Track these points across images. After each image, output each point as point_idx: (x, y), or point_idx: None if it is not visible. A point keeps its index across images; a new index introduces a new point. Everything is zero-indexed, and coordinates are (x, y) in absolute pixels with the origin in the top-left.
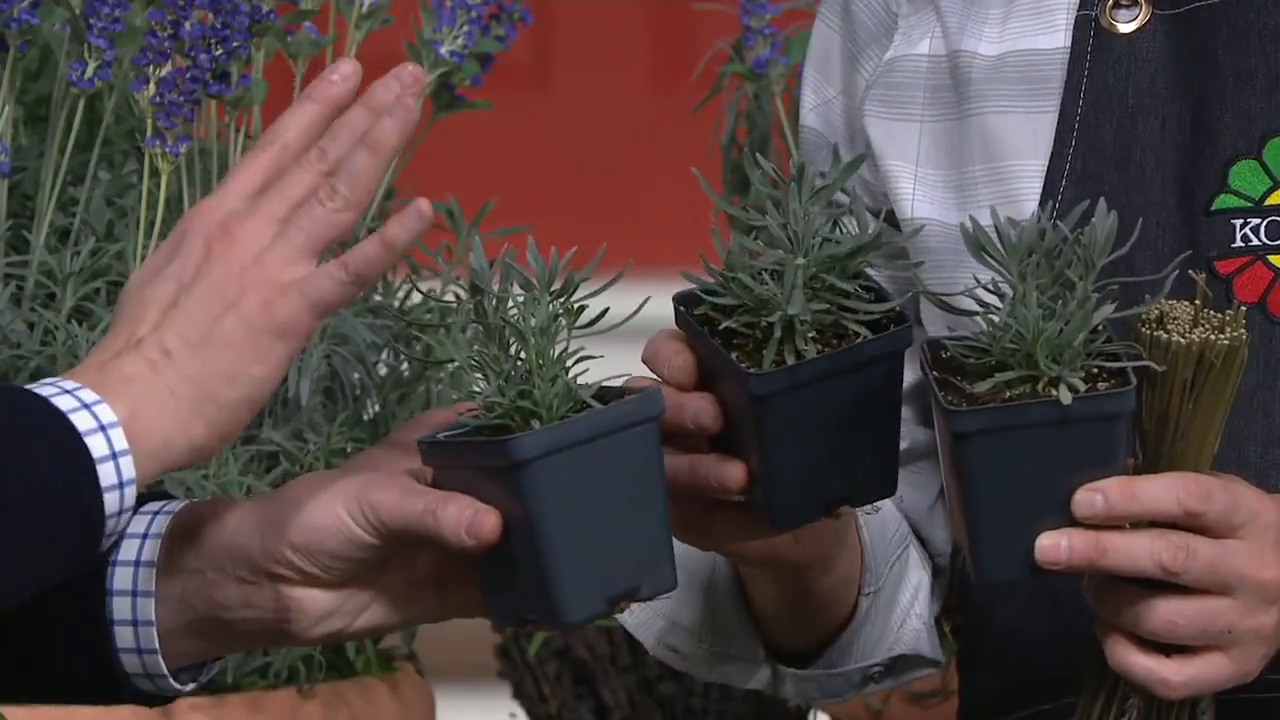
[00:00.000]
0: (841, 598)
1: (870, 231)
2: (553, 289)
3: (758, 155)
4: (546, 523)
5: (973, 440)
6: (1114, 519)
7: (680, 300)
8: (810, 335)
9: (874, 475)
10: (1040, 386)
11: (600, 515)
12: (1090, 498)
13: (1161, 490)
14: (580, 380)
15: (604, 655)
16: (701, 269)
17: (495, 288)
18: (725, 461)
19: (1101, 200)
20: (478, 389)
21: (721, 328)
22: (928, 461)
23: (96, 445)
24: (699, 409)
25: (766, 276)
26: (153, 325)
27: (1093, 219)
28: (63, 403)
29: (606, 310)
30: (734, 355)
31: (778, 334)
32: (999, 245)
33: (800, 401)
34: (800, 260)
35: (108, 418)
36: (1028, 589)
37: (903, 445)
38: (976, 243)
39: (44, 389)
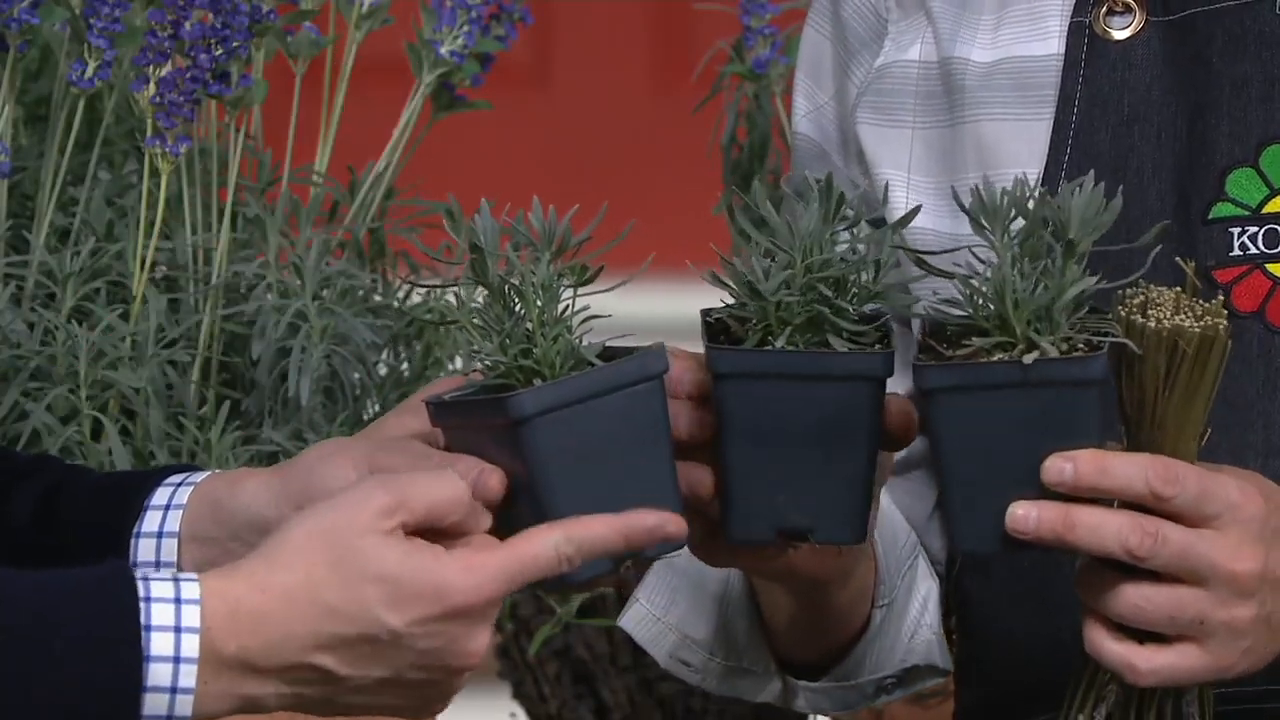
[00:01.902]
0: (856, 611)
1: (869, 255)
2: (554, 248)
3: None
4: (548, 480)
5: (939, 398)
6: (1081, 490)
7: (707, 314)
8: (797, 343)
9: (836, 513)
10: (1017, 352)
11: (603, 474)
12: (1059, 465)
13: (1132, 468)
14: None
15: (604, 655)
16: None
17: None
18: (696, 466)
19: (1090, 172)
20: (476, 349)
21: (714, 319)
22: (924, 470)
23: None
24: (690, 419)
25: (758, 267)
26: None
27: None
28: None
29: (603, 267)
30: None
31: (759, 324)
32: (983, 208)
33: (760, 395)
34: (794, 256)
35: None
36: (1023, 607)
37: (900, 454)
38: (962, 205)
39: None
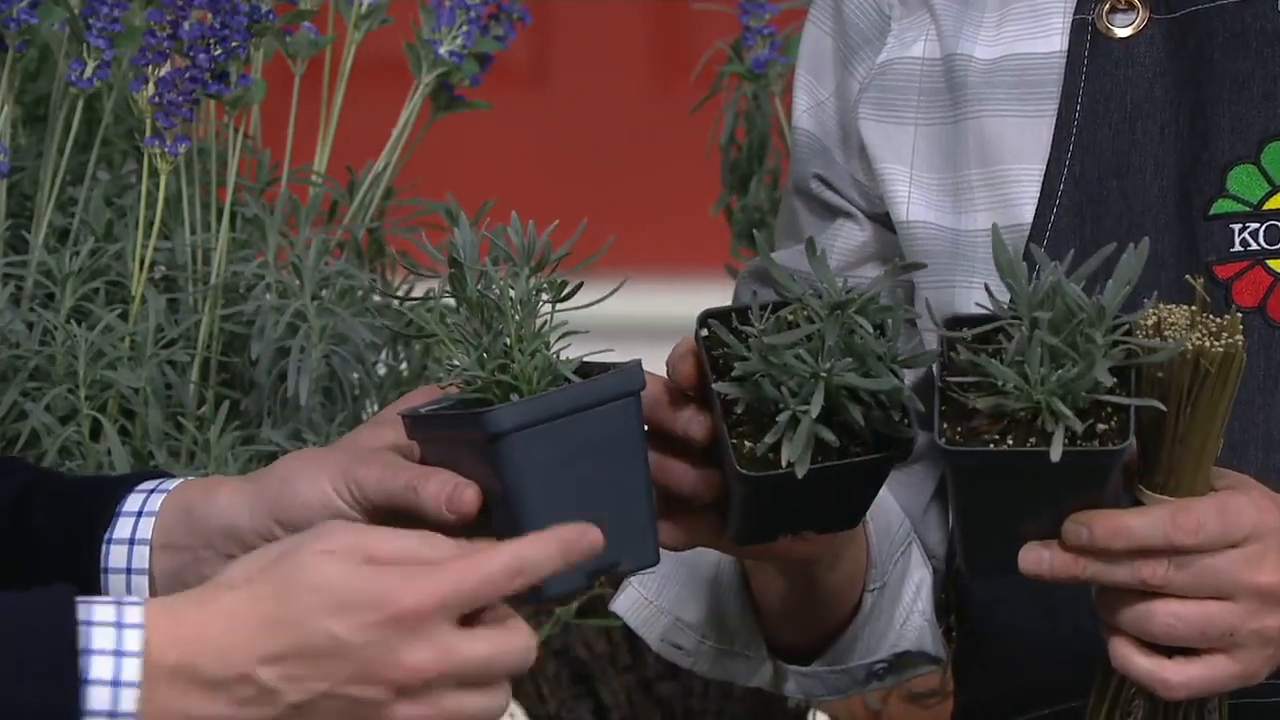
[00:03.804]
0: (847, 593)
1: (897, 385)
2: (533, 263)
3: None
4: (524, 496)
5: (963, 473)
6: (1099, 552)
7: (703, 320)
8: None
9: (843, 511)
10: (1039, 421)
11: (579, 489)
12: (1077, 530)
13: (1148, 528)
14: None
15: (603, 655)
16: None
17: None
18: (695, 469)
19: (1131, 246)
20: (456, 363)
21: (716, 353)
22: (923, 464)
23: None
24: (691, 418)
25: (783, 376)
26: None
27: (1106, 258)
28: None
29: (581, 284)
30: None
31: (782, 424)
32: (1015, 286)
33: (781, 484)
34: (810, 409)
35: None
36: (1024, 604)
37: None
38: (990, 293)
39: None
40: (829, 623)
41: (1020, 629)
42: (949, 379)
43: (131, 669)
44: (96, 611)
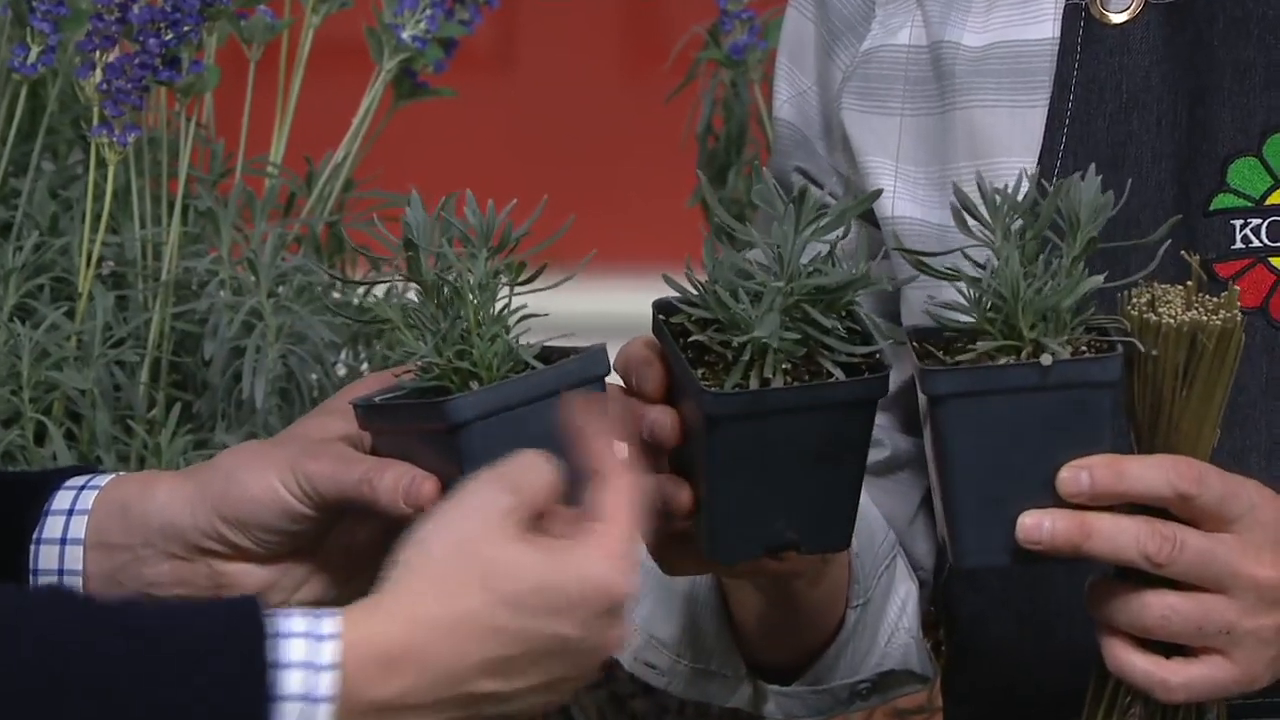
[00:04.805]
0: (829, 610)
1: (860, 269)
2: (491, 244)
3: (764, 169)
4: None
5: (948, 404)
6: (1100, 498)
7: (659, 308)
8: (783, 366)
9: (827, 524)
10: (1023, 356)
11: None
12: (1075, 475)
13: (1152, 470)
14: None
15: None
16: (684, 273)
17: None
18: (674, 482)
19: (1092, 165)
20: (411, 350)
21: (691, 340)
22: (909, 471)
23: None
24: (656, 420)
25: (744, 296)
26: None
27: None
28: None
29: (545, 266)
30: (700, 372)
31: (745, 357)
32: (983, 208)
33: (756, 431)
34: (780, 284)
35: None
36: (1014, 614)
37: (884, 454)
38: (961, 207)
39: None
40: (810, 641)
41: (1010, 641)
42: (925, 346)
43: (327, 682)
44: (288, 623)
